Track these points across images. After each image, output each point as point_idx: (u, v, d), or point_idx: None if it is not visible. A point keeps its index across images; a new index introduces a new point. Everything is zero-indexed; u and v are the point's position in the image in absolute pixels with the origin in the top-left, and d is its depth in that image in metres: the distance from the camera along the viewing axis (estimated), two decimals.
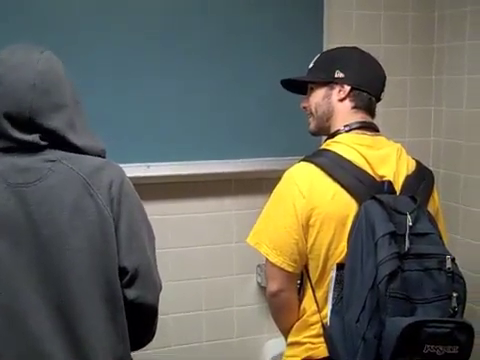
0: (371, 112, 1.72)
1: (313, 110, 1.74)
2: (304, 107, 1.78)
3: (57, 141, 1.35)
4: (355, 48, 1.77)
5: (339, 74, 1.69)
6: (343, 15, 2.52)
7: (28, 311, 1.28)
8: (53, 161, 1.33)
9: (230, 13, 2.34)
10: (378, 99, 1.74)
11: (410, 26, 2.63)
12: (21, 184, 1.31)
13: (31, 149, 1.33)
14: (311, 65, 1.78)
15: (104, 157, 1.43)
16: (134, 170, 2.14)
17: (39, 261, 1.29)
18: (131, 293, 1.36)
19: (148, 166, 2.27)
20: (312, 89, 1.75)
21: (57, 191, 1.31)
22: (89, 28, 2.17)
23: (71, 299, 1.30)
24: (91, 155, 1.39)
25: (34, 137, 1.32)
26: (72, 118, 1.38)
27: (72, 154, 1.36)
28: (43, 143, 1.34)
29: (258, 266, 2.51)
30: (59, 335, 1.29)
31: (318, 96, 1.73)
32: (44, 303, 1.29)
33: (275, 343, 2.49)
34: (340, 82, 1.69)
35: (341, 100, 1.69)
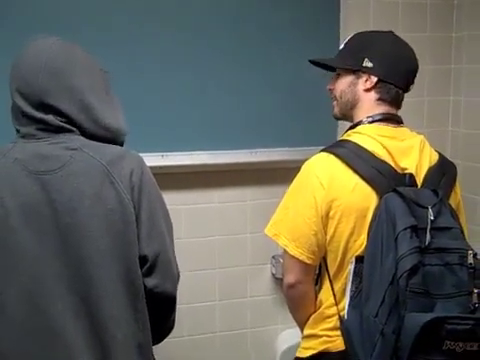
0: (397, 104, 1.68)
1: (338, 95, 1.71)
2: (330, 89, 1.75)
3: (73, 125, 1.37)
4: (390, 34, 1.72)
5: (368, 63, 1.65)
6: (360, 3, 2.49)
7: (51, 299, 1.30)
8: (74, 149, 1.34)
9: (246, 1, 2.31)
10: (406, 91, 1.70)
11: (429, 15, 2.59)
12: (43, 172, 1.32)
13: (50, 130, 1.35)
14: (341, 46, 1.74)
15: (120, 139, 1.45)
16: (149, 159, 2.08)
17: (62, 249, 1.30)
18: (151, 282, 1.38)
19: (163, 156, 2.26)
20: (339, 74, 1.72)
21: (78, 179, 1.32)
22: (102, 17, 2.15)
23: (92, 287, 1.31)
24: (107, 138, 1.40)
25: (49, 117, 1.35)
26: (87, 102, 1.38)
27: (92, 142, 1.38)
28: (61, 124, 1.35)
29: (273, 257, 2.50)
30: (81, 323, 1.31)
31: (344, 83, 1.70)
32: (66, 291, 1.30)
33: (289, 334, 2.50)
34: (368, 72, 1.65)
35: (367, 90, 1.66)
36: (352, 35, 1.76)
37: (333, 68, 1.76)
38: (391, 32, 1.73)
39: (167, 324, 1.48)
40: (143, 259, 1.36)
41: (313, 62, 1.81)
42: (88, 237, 1.31)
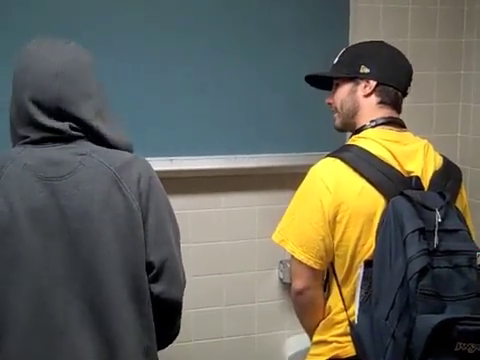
0: (397, 107, 1.69)
1: (338, 106, 1.72)
2: (329, 103, 1.76)
3: (86, 131, 1.36)
4: (380, 42, 1.75)
5: (364, 69, 1.66)
6: (370, 9, 2.49)
7: (58, 303, 1.30)
8: (83, 155, 1.34)
9: (253, 6, 2.32)
10: (405, 94, 1.71)
11: (438, 20, 2.59)
12: (52, 178, 1.31)
13: (61, 139, 1.34)
14: (336, 60, 1.76)
15: (131, 151, 1.44)
16: (157, 164, 2.09)
17: (70, 254, 1.30)
18: (157, 288, 1.37)
19: (171, 160, 2.26)
20: (337, 85, 1.73)
21: (87, 185, 1.32)
22: (109, 24, 2.16)
23: (100, 292, 1.31)
24: (119, 148, 1.40)
25: (64, 125, 1.34)
26: (100, 108, 1.39)
27: (102, 148, 1.38)
28: (74, 133, 1.35)
29: (280, 262, 2.49)
30: (88, 327, 1.31)
31: (343, 92, 1.70)
32: (74, 295, 1.30)
33: (296, 340, 2.48)
34: (365, 77, 1.66)
35: (367, 96, 1.66)
36: (344, 49, 1.78)
37: (329, 86, 1.77)
38: (381, 41, 1.75)
39: (172, 330, 1.47)
40: (149, 265, 1.36)
41: (309, 79, 1.82)
42: (98, 243, 1.31)
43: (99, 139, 1.38)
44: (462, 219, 1.54)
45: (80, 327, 1.30)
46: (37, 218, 1.30)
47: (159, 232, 1.37)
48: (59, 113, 1.33)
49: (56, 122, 1.33)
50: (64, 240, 1.30)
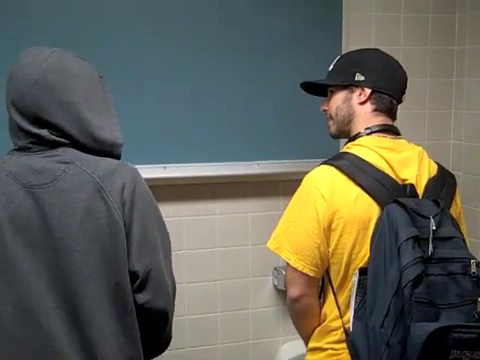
0: (392, 115, 1.70)
1: (333, 113, 1.73)
2: (324, 110, 1.77)
3: (67, 138, 1.36)
4: (376, 50, 1.76)
5: (359, 77, 1.67)
6: (362, 17, 2.50)
7: (41, 312, 1.30)
8: (67, 163, 1.34)
9: (247, 14, 2.32)
10: (399, 101, 1.72)
11: (430, 28, 2.61)
12: (35, 186, 1.32)
13: (45, 145, 1.35)
14: (331, 68, 1.76)
15: (116, 151, 1.43)
16: (151, 171, 2.14)
17: (51, 262, 1.30)
18: (141, 297, 1.37)
19: (165, 167, 2.26)
20: (332, 92, 1.74)
21: (70, 194, 1.32)
22: (103, 29, 2.16)
23: (80, 301, 1.31)
24: (102, 151, 1.39)
25: (43, 131, 1.34)
26: (82, 116, 1.36)
27: (87, 155, 1.37)
28: (55, 139, 1.35)
29: (274, 269, 2.49)
30: (70, 335, 1.31)
31: (338, 99, 1.71)
32: (55, 304, 1.30)
33: (291, 346, 2.49)
34: (360, 85, 1.67)
35: (362, 103, 1.67)
36: (340, 56, 1.79)
37: (324, 92, 1.78)
38: (377, 49, 1.76)
39: (162, 339, 1.46)
40: (134, 274, 1.35)
41: (304, 85, 1.83)
42: (77, 252, 1.30)
43: (80, 148, 1.37)
44: (457, 226, 1.55)
45: (64, 334, 1.30)
46: (20, 226, 1.30)
47: (144, 241, 1.36)
48: (37, 120, 1.34)
49: (36, 128, 1.34)
50: (46, 248, 1.30)
